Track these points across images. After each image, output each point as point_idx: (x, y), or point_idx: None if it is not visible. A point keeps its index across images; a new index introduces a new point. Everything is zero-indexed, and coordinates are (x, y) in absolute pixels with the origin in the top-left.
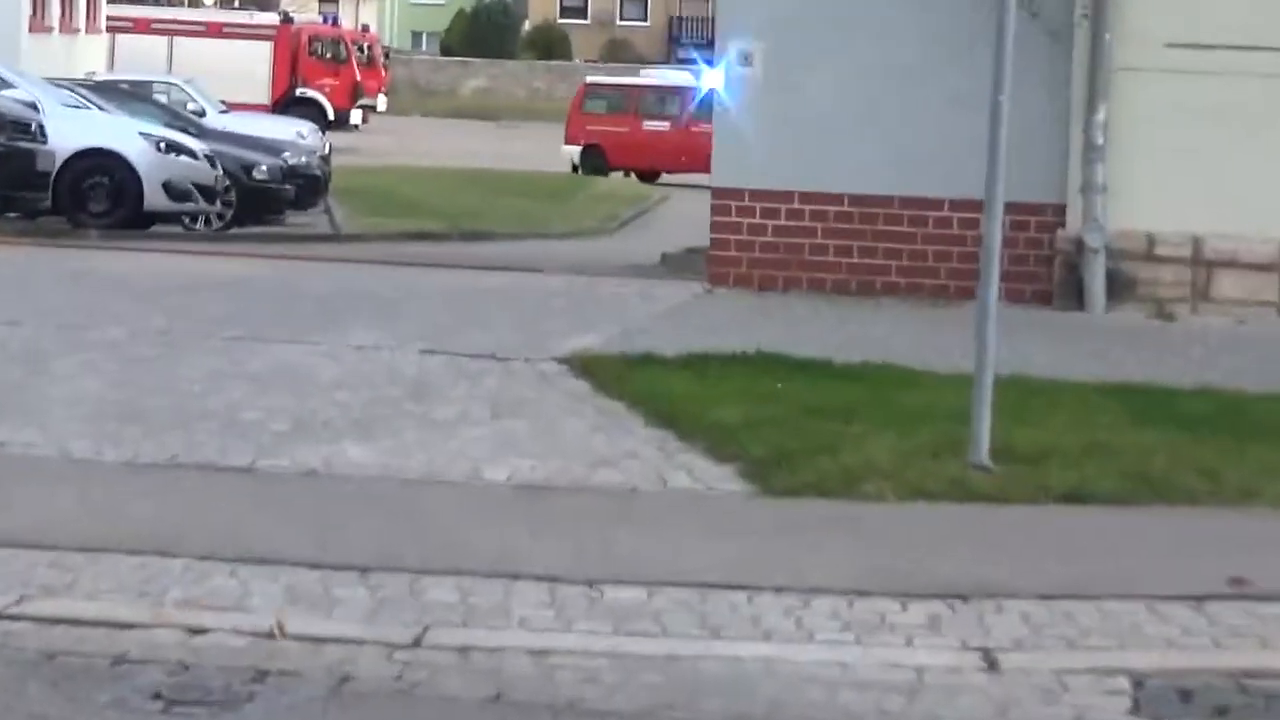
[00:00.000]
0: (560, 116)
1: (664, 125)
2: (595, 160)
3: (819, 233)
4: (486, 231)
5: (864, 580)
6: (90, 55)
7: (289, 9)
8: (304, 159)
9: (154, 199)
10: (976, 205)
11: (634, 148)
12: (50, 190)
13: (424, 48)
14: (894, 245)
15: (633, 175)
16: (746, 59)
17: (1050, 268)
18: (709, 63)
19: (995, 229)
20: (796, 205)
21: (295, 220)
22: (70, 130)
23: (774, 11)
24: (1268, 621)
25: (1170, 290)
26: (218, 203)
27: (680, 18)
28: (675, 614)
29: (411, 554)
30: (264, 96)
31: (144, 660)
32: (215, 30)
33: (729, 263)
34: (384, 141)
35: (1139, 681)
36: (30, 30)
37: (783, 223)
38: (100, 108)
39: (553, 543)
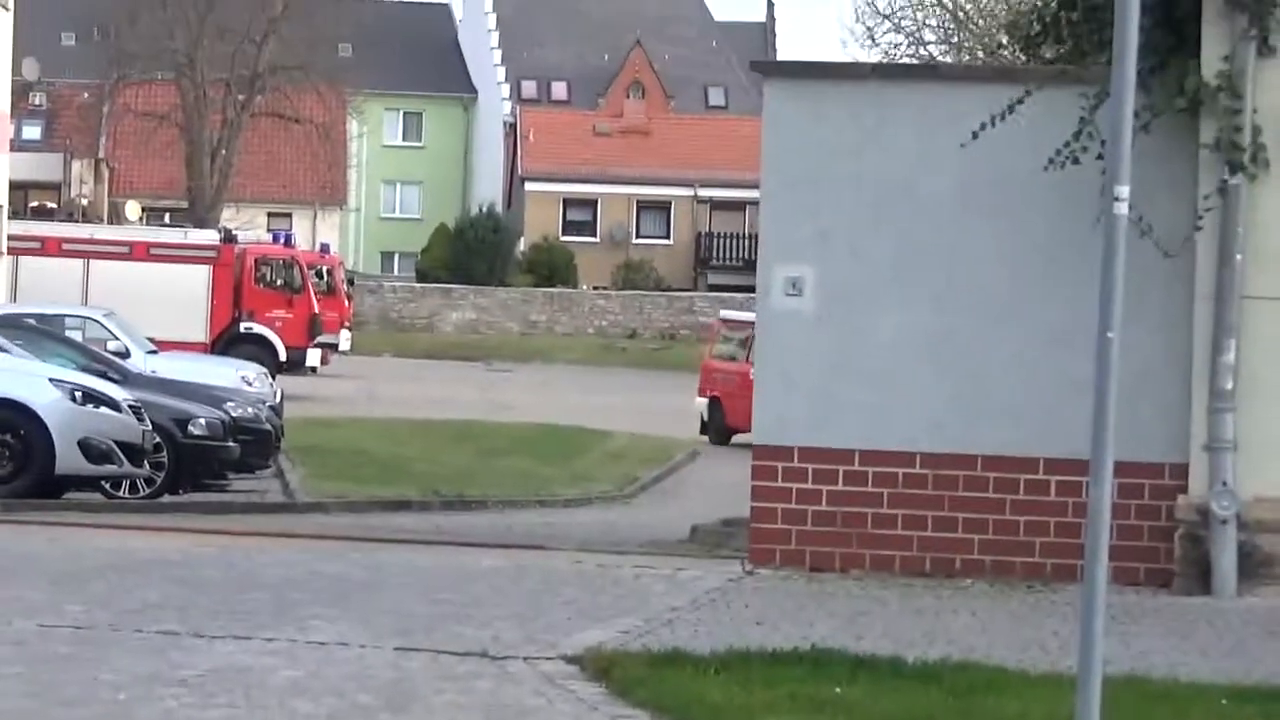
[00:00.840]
0: (564, 354)
1: None
2: (717, 419)
3: (885, 500)
4: (477, 499)
5: None
6: None
7: (231, 225)
8: (251, 410)
9: (68, 461)
10: (1080, 466)
11: None
12: None
13: (397, 271)
14: (977, 515)
15: None
16: (794, 287)
17: (1169, 542)
18: None
19: (1103, 495)
20: (857, 466)
21: (241, 486)
22: None
23: (827, 228)
24: None
25: None
26: (146, 465)
27: (710, 234)
28: None
29: None
30: (201, 333)
31: None
32: (141, 252)
33: (775, 537)
34: (348, 388)
35: None
36: None
37: (840, 488)
38: (1, 348)
39: None
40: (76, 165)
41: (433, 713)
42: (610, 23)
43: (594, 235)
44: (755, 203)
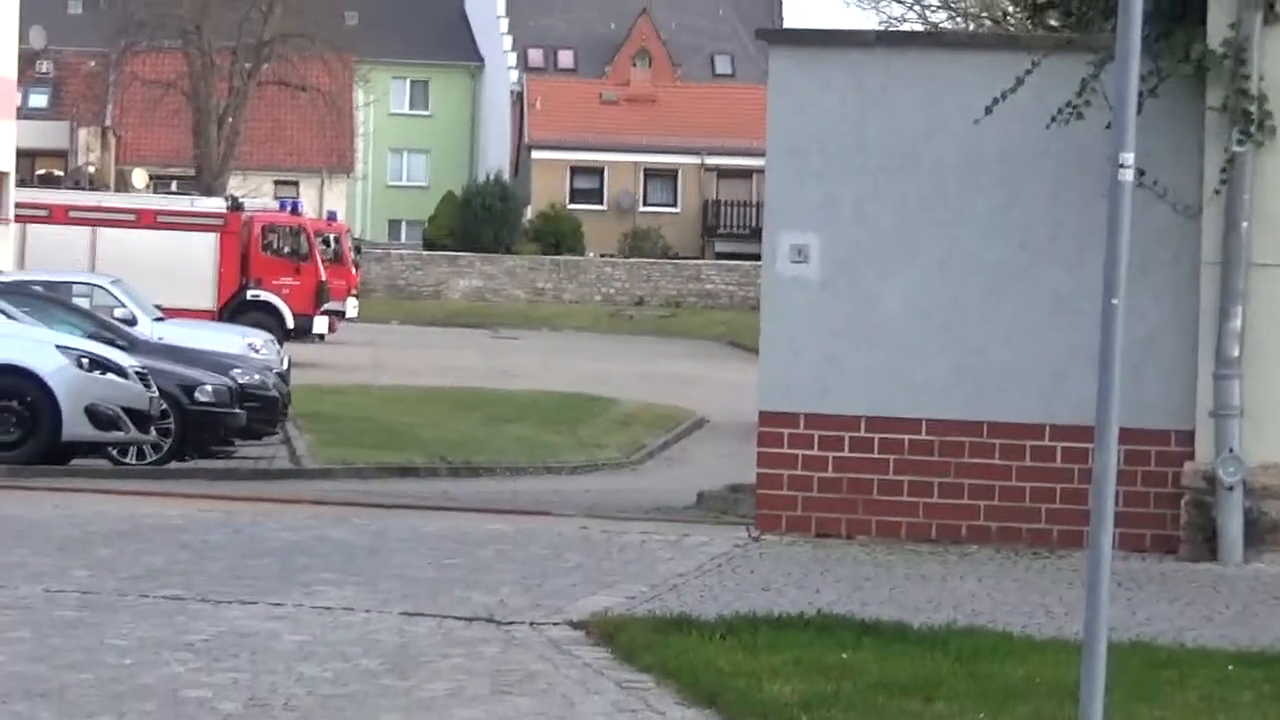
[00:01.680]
0: (570, 322)
1: None
2: None
3: (890, 467)
4: (483, 465)
5: None
6: None
7: (238, 193)
8: (257, 377)
9: (74, 427)
10: (1085, 432)
11: None
12: None
13: (403, 239)
14: (983, 482)
15: None
16: (800, 254)
17: (1175, 508)
18: None
19: (1109, 461)
20: (863, 433)
21: (248, 452)
22: None
23: (833, 195)
24: None
25: None
26: (152, 431)
27: (717, 201)
28: None
29: None
30: (208, 300)
31: None
32: (148, 220)
33: (781, 504)
34: (355, 354)
35: None
36: None
37: (846, 455)
38: (8, 315)
39: None
40: (83, 133)
41: (438, 677)
42: None
43: (601, 203)
44: (762, 170)
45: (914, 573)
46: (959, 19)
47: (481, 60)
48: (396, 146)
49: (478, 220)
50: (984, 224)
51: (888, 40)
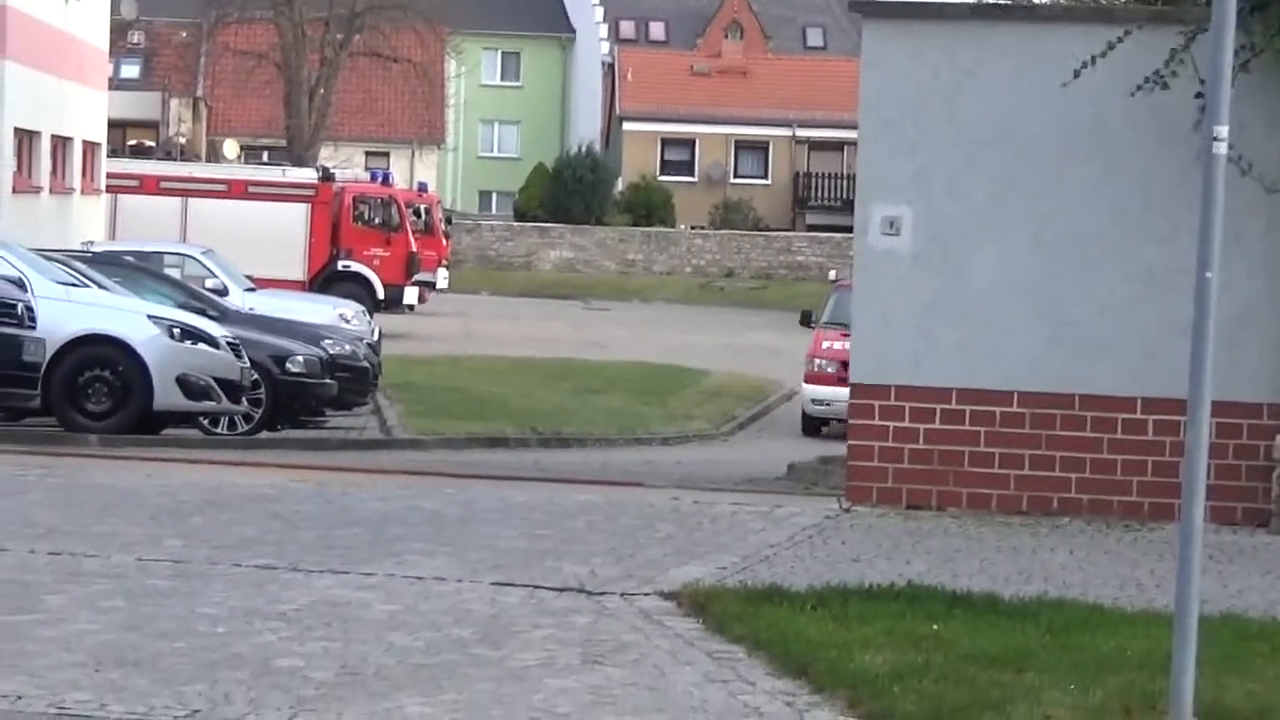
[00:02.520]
0: (661, 293)
1: None
2: None
3: (982, 439)
4: (573, 436)
5: None
6: (88, 220)
7: (329, 164)
8: (348, 348)
9: (166, 397)
10: (1177, 405)
11: None
12: (40, 386)
13: (494, 210)
14: (1075, 454)
15: None
16: (892, 226)
17: (1267, 481)
18: None
19: (1200, 435)
20: (954, 405)
21: (338, 422)
22: (64, 313)
23: (925, 167)
24: None
25: None
26: (244, 401)
27: (808, 174)
28: None
29: None
30: (299, 271)
31: None
32: (239, 190)
33: (872, 475)
34: (446, 325)
35: None
36: (14, 190)
37: (937, 426)
38: (100, 285)
39: None
40: (174, 104)
41: (529, 647)
42: None
43: (692, 175)
44: (853, 143)
45: (1005, 544)
46: None
47: (573, 31)
48: (487, 118)
49: (568, 192)
50: (1076, 197)
51: (981, 13)
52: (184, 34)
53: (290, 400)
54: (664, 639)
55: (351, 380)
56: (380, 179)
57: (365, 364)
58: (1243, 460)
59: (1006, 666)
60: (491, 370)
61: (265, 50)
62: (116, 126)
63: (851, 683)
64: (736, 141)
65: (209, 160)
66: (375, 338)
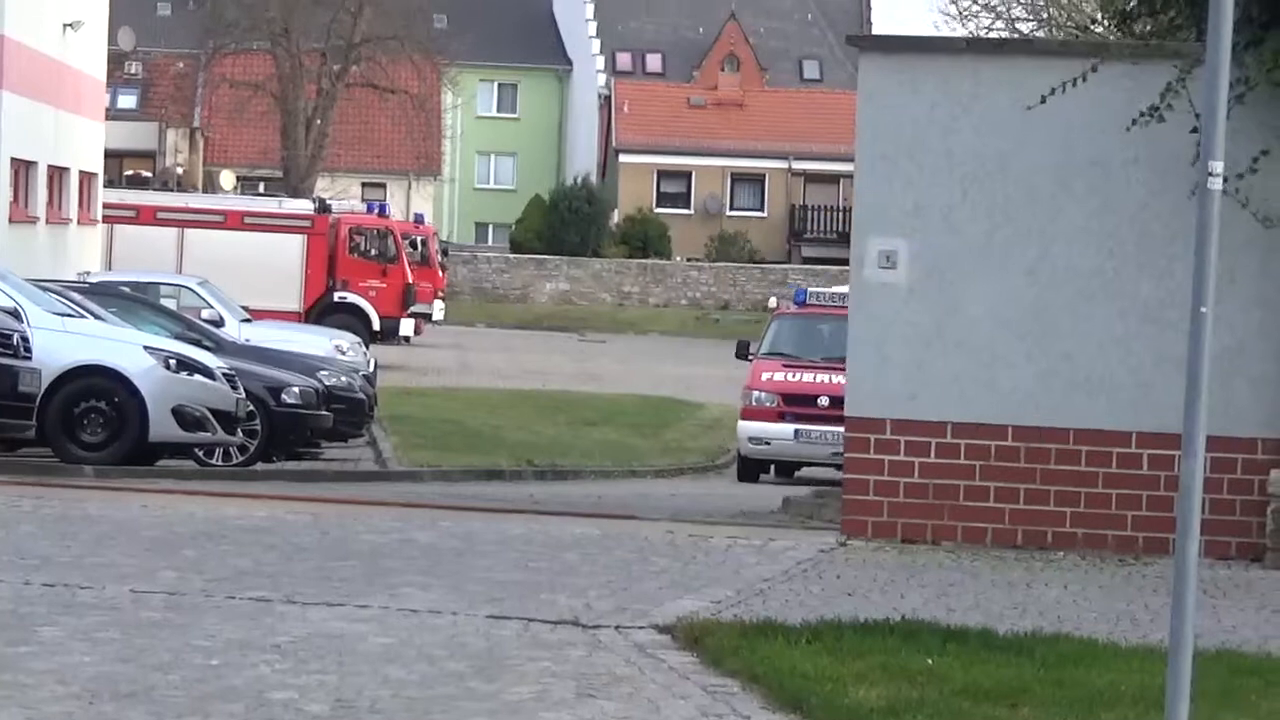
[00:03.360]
0: (657, 325)
1: None
2: None
3: (977, 473)
4: (569, 469)
5: None
6: (84, 251)
7: (326, 195)
8: (344, 379)
9: (161, 428)
10: (1172, 440)
11: None
12: (35, 417)
13: (490, 242)
14: (1069, 488)
15: None
16: (888, 260)
17: (1262, 516)
18: None
19: (1195, 469)
20: (949, 439)
21: (334, 454)
22: (60, 344)
23: (921, 201)
24: None
25: None
26: (239, 433)
27: (804, 206)
28: None
29: None
30: (295, 302)
31: None
32: (235, 221)
33: (867, 509)
34: (442, 357)
35: None
36: (10, 220)
37: (932, 460)
38: (96, 316)
39: None
40: (171, 134)
41: (524, 680)
42: None
43: (688, 207)
44: (849, 175)
45: (999, 579)
46: (1047, 28)
47: (570, 63)
48: (484, 149)
49: (565, 223)
50: (1072, 232)
51: (977, 47)
52: (181, 65)
53: (286, 432)
54: (659, 672)
55: (347, 412)
56: (376, 210)
57: (361, 395)
58: (1237, 495)
59: (1001, 701)
60: (487, 402)
61: (262, 81)
62: (113, 157)
63: (846, 717)
64: (732, 174)
65: (205, 191)
66: (371, 369)
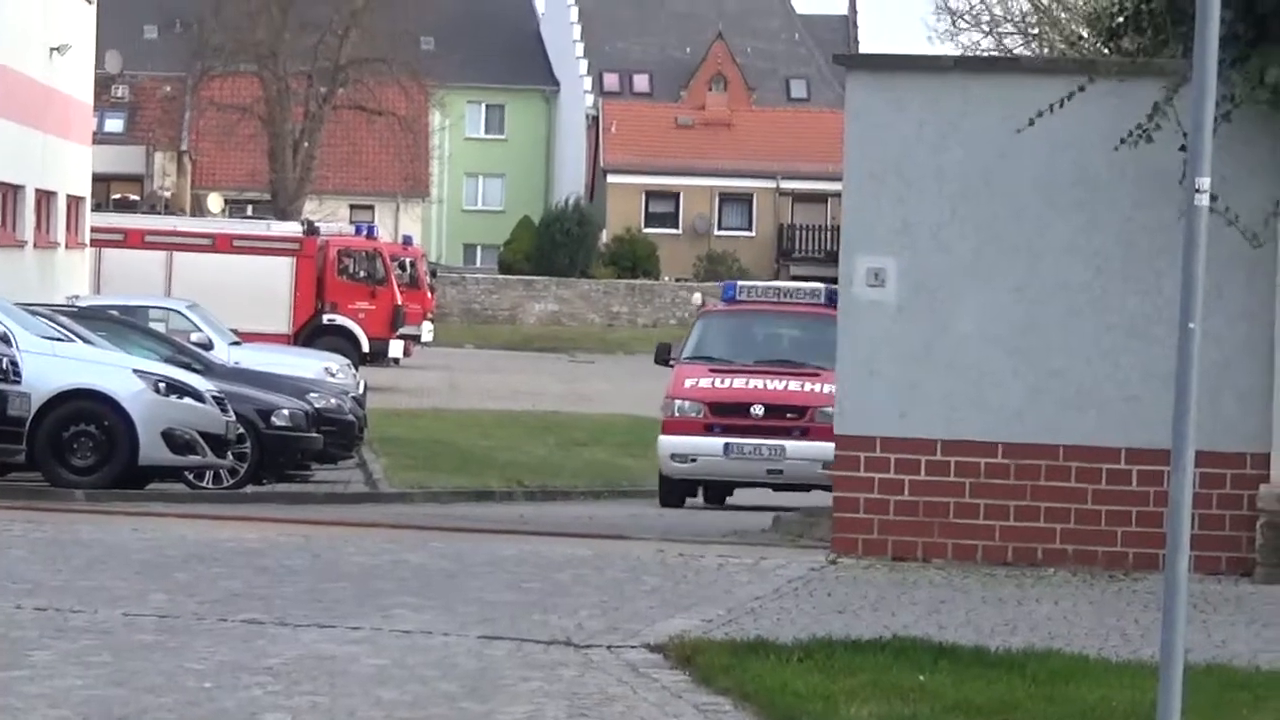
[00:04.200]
0: (645, 346)
1: None
2: None
3: (967, 490)
4: (559, 489)
5: None
6: (72, 275)
7: (314, 218)
8: (334, 401)
9: (151, 451)
10: (1161, 455)
11: None
12: (25, 440)
13: (479, 263)
14: (1059, 504)
15: None
16: (877, 278)
17: (1251, 531)
18: None
19: (1184, 484)
20: (939, 457)
21: (324, 476)
22: (49, 368)
23: (910, 219)
24: None
25: None
26: (229, 455)
27: (792, 226)
28: None
29: None
30: (284, 324)
31: None
32: (224, 244)
33: (857, 527)
34: (431, 379)
35: None
36: None
37: (922, 478)
38: (85, 340)
39: None
40: (159, 158)
41: (517, 701)
42: (692, 15)
43: (676, 227)
44: (837, 194)
45: (990, 595)
46: (1035, 45)
47: (557, 84)
48: (472, 170)
49: (555, 245)
50: (1060, 248)
51: (965, 65)
52: (168, 88)
53: (276, 454)
54: (651, 691)
55: (337, 434)
56: (365, 232)
57: (351, 417)
58: (1226, 510)
59: (993, 718)
60: (477, 423)
61: (249, 104)
62: (101, 180)
63: None
64: (720, 193)
65: (193, 214)
66: (360, 391)
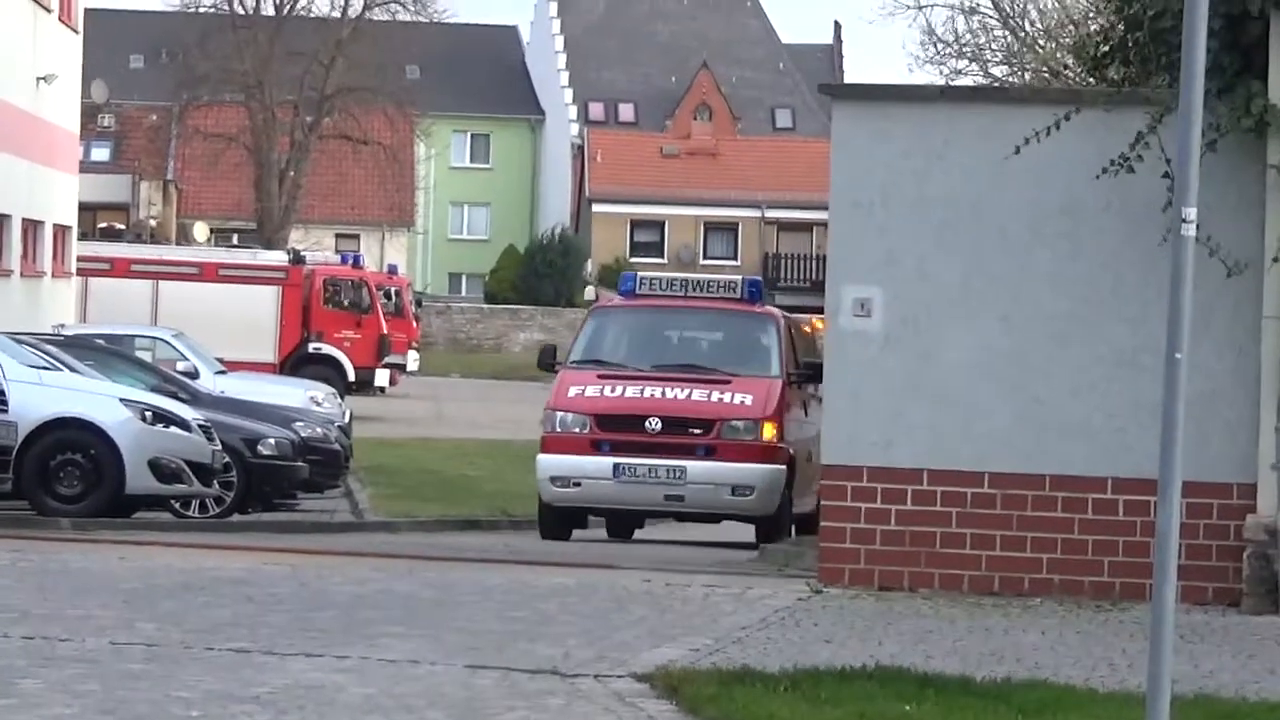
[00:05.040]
0: None
1: None
2: None
3: (953, 519)
4: None
5: None
6: (59, 304)
7: (299, 246)
8: (319, 430)
9: (138, 480)
10: (1148, 485)
11: None
12: (11, 469)
13: (464, 292)
14: (1046, 535)
15: None
16: (863, 308)
17: (1238, 561)
18: None
19: (1171, 514)
20: (925, 486)
21: (310, 505)
22: (36, 397)
23: (895, 249)
24: None
25: None
26: (215, 484)
27: (778, 255)
28: None
29: None
30: (270, 353)
31: None
32: (210, 273)
33: (844, 556)
34: (417, 408)
35: None
36: None
37: (909, 508)
38: (72, 368)
39: None
40: (145, 187)
41: None
42: (677, 45)
43: (661, 256)
44: (823, 224)
45: (977, 625)
46: (1020, 74)
47: (542, 113)
48: (457, 200)
49: (539, 274)
50: (1047, 278)
51: (950, 95)
52: (154, 117)
53: (262, 483)
54: None
55: (323, 463)
56: (350, 261)
57: (337, 446)
58: (1213, 540)
59: None
60: (463, 452)
61: (235, 133)
62: (87, 209)
63: None
64: (706, 223)
65: (179, 243)
66: (346, 420)
